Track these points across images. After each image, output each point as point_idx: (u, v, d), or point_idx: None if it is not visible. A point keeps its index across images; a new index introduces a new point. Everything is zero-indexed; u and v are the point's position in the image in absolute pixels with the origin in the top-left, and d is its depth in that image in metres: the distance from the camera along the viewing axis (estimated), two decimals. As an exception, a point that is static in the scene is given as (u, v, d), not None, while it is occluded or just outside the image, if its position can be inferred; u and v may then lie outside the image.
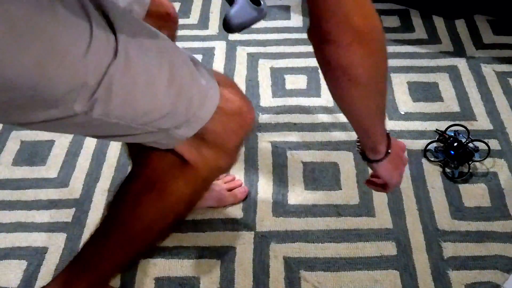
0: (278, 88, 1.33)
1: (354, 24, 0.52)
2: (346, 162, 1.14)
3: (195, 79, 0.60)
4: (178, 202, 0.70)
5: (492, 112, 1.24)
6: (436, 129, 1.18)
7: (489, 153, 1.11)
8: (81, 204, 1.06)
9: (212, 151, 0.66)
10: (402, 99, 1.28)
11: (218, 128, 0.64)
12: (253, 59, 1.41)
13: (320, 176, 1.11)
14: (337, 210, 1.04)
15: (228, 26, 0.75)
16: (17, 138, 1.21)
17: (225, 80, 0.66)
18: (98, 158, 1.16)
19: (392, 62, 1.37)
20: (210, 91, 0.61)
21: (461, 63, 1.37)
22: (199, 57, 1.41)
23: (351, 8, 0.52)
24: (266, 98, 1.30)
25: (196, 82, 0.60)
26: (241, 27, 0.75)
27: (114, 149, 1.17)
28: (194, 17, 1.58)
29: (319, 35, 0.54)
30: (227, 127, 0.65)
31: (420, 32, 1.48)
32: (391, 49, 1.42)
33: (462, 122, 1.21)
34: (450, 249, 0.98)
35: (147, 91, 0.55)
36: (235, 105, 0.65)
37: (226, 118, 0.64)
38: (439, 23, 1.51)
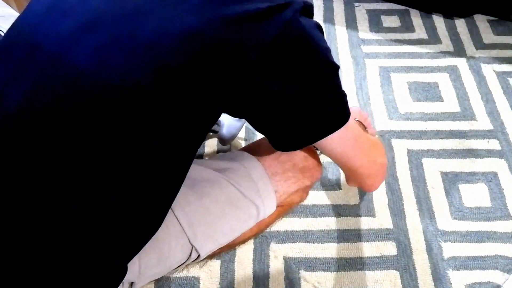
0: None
1: None
2: (346, 162, 1.13)
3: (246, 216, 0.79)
4: (265, 224, 0.94)
5: (492, 112, 1.24)
6: None
7: None
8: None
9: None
10: (402, 99, 1.28)
11: (295, 198, 0.87)
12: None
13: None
14: (337, 210, 1.04)
15: (224, 142, 1.00)
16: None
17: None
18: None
19: (392, 62, 1.38)
20: (265, 206, 0.80)
21: (461, 63, 1.37)
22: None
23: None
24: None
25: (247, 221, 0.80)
26: (234, 138, 1.01)
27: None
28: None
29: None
30: (301, 193, 0.87)
31: (420, 32, 1.48)
32: (391, 49, 1.42)
33: (462, 122, 1.21)
34: (450, 249, 0.98)
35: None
36: (307, 163, 0.80)
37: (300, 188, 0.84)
38: (439, 23, 1.51)
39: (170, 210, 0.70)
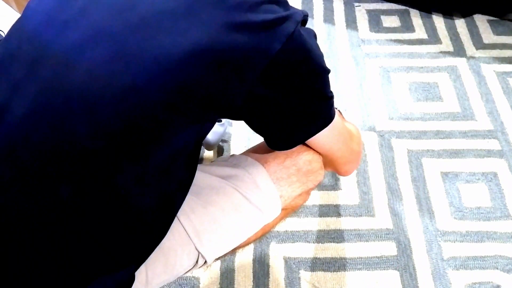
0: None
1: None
2: (346, 162, 1.14)
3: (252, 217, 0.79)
4: (269, 227, 0.95)
5: (492, 112, 1.24)
6: None
7: None
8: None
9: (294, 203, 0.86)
10: (402, 99, 1.28)
11: (298, 201, 0.87)
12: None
13: (320, 176, 1.11)
14: (337, 210, 1.04)
15: (209, 147, 1.06)
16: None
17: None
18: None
19: (392, 62, 1.38)
20: (270, 211, 0.80)
21: (461, 63, 1.37)
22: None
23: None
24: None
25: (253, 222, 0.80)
26: (218, 143, 1.04)
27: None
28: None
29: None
30: (305, 193, 0.86)
31: (420, 32, 1.48)
32: (391, 49, 1.42)
33: (462, 122, 1.21)
34: (450, 249, 0.98)
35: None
36: (311, 166, 0.80)
37: (304, 191, 0.84)
38: (439, 23, 1.51)
39: (175, 218, 0.70)
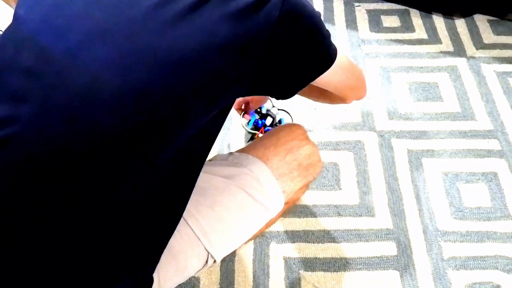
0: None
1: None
2: (346, 162, 1.14)
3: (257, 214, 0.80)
4: (271, 221, 0.99)
5: (492, 112, 1.24)
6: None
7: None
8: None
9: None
10: (402, 99, 1.28)
11: (299, 195, 0.90)
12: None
13: (320, 176, 1.11)
14: (337, 210, 1.04)
15: None
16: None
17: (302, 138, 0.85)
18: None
19: (392, 62, 1.37)
20: (275, 207, 0.81)
21: (461, 63, 1.37)
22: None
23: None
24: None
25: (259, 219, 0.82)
26: None
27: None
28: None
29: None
30: (302, 189, 0.88)
31: (420, 32, 1.48)
32: (391, 49, 1.42)
33: (462, 122, 1.21)
34: (450, 249, 0.98)
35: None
36: (310, 160, 0.83)
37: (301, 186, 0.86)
38: (439, 23, 1.51)
39: (183, 220, 0.71)
